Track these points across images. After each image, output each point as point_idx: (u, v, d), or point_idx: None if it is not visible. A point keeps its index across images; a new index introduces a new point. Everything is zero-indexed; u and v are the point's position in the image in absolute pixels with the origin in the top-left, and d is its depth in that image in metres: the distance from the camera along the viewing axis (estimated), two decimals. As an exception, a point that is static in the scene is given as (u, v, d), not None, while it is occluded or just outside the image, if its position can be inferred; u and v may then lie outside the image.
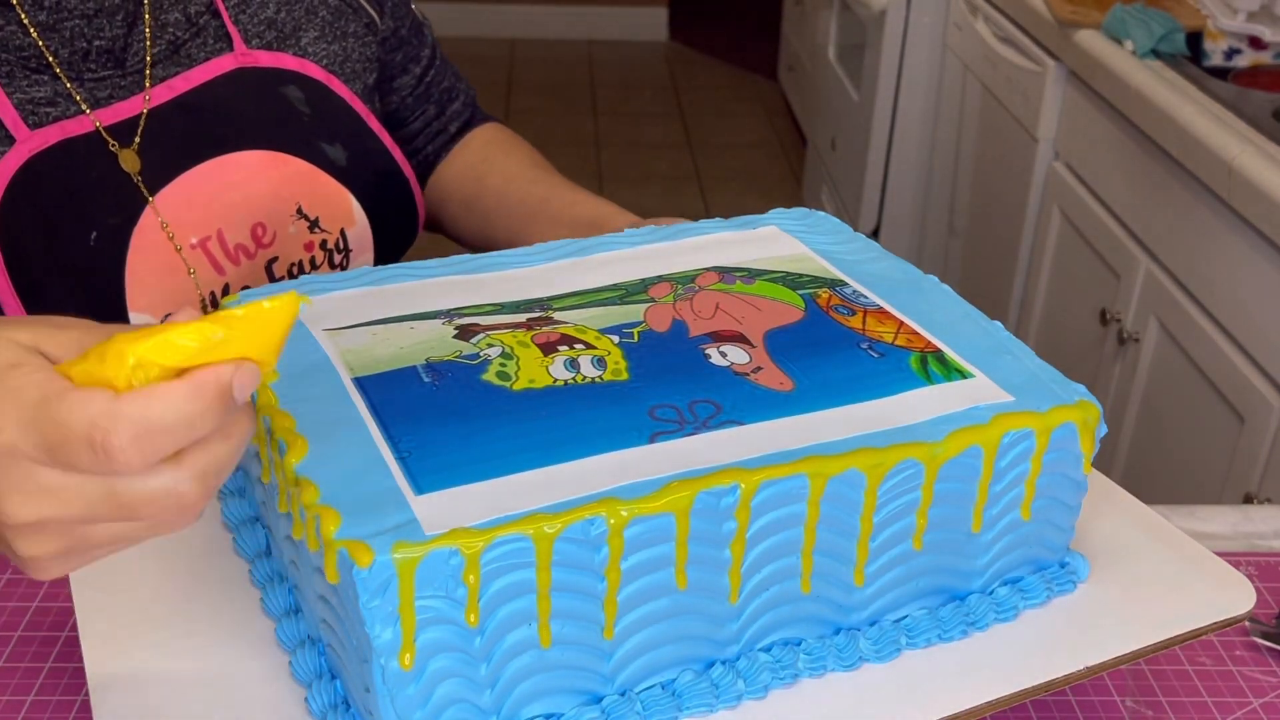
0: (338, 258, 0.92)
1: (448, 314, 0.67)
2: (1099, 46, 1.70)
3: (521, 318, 0.67)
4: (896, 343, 0.66)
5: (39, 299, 0.79)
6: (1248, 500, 1.36)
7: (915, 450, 0.58)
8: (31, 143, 0.79)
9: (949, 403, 0.61)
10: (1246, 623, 0.74)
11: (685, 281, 0.71)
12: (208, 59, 0.87)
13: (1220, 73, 1.63)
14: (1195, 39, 1.67)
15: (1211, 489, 1.45)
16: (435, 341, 0.64)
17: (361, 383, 0.61)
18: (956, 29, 2.32)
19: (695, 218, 0.83)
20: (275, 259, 0.88)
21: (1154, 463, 1.61)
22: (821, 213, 0.81)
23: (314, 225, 0.89)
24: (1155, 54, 1.65)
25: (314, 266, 0.90)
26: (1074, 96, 1.83)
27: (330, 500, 0.52)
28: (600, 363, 0.62)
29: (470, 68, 5.28)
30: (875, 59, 2.49)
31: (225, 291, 0.86)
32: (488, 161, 1.07)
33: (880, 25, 2.43)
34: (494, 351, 0.63)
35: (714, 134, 3.90)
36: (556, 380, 0.61)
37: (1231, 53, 1.66)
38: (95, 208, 0.81)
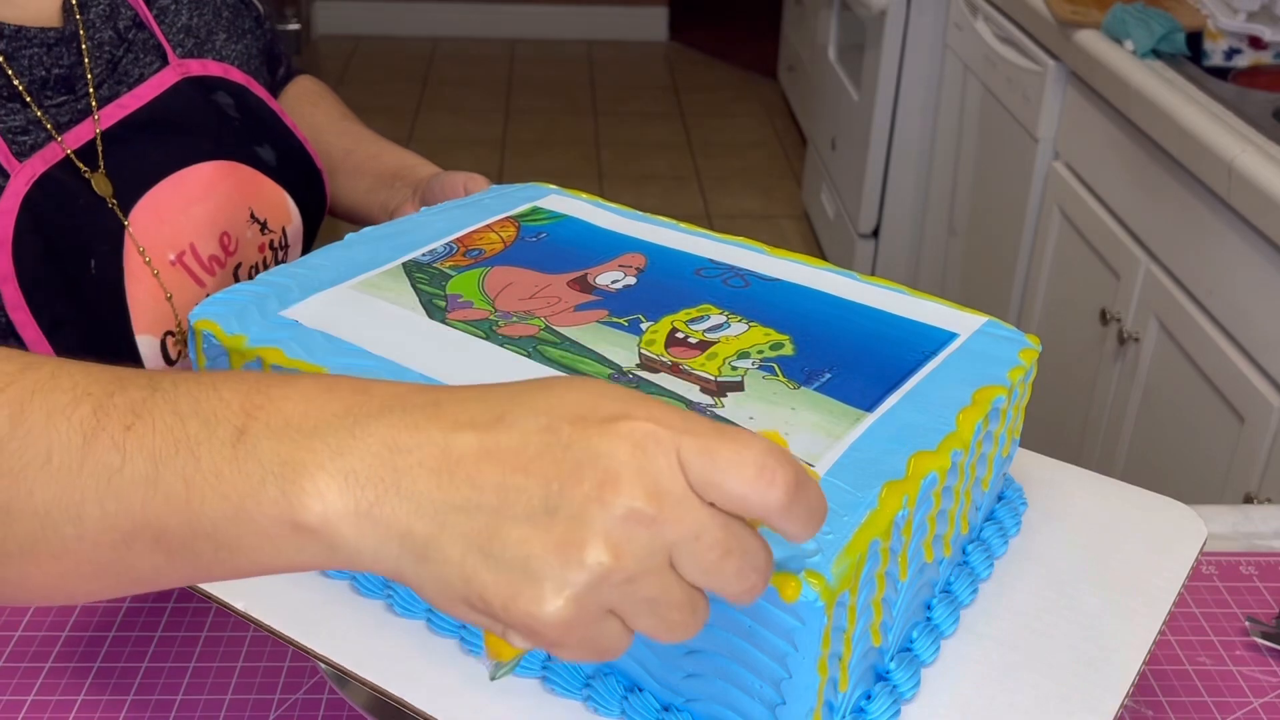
0: (280, 255, 0.94)
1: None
2: (1099, 46, 1.70)
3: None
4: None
5: (58, 332, 0.79)
6: (1248, 500, 1.36)
7: None
8: (23, 175, 0.78)
9: None
10: (1246, 623, 0.74)
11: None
12: (143, 72, 0.87)
13: (1220, 73, 1.63)
14: (1195, 39, 1.66)
15: (1211, 489, 1.45)
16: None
17: None
18: (956, 29, 2.32)
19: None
20: (239, 265, 0.90)
21: (1154, 463, 1.61)
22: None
23: (264, 227, 0.92)
24: (1155, 54, 1.65)
25: (265, 266, 0.92)
26: (1074, 96, 1.83)
27: None
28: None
29: (470, 68, 5.23)
30: (875, 59, 2.49)
31: None
32: (294, 115, 1.07)
33: (880, 25, 2.43)
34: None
35: (714, 134, 3.90)
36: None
37: (1231, 53, 1.66)
38: (87, 236, 0.81)
